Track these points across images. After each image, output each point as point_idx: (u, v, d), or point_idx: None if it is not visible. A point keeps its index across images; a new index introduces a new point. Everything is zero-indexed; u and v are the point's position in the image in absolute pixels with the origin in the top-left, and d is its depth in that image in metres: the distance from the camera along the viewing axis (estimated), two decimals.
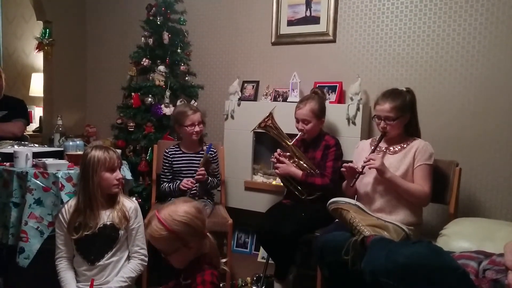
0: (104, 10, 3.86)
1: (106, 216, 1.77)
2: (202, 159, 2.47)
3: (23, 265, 1.97)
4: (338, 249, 1.70)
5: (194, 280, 1.31)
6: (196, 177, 2.40)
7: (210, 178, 2.49)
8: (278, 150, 2.37)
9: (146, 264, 1.85)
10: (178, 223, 1.33)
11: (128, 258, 1.83)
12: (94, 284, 1.72)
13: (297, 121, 2.36)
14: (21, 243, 1.98)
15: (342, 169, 2.03)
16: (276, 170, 2.35)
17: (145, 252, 1.84)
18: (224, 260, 1.44)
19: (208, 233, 1.40)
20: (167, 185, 2.50)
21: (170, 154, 2.54)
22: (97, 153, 1.75)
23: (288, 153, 2.34)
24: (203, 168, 2.42)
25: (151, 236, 1.35)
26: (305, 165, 2.31)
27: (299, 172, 2.29)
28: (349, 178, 2.04)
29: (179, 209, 1.35)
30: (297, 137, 2.33)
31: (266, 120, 2.36)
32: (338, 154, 2.33)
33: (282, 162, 2.32)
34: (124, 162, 2.42)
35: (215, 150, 2.60)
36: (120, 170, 1.83)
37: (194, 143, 2.54)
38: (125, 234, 1.81)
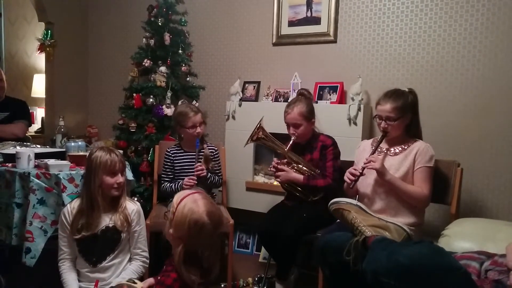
0: (106, 11, 3.87)
1: (109, 219, 1.77)
2: (202, 155, 2.49)
3: (30, 265, 1.98)
4: (340, 249, 1.70)
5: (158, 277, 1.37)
6: (195, 173, 2.40)
7: (210, 175, 2.50)
8: (275, 159, 2.36)
9: (147, 266, 1.85)
10: (180, 210, 1.35)
11: (130, 260, 1.83)
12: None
13: (288, 126, 2.34)
14: (27, 243, 1.98)
15: (347, 180, 2.00)
16: (277, 179, 2.35)
17: (146, 254, 1.84)
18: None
19: (187, 250, 1.34)
20: (168, 184, 2.50)
21: (172, 153, 2.55)
22: (99, 155, 1.75)
23: (285, 160, 2.33)
24: (200, 164, 2.43)
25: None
26: (304, 168, 2.30)
27: (300, 177, 2.28)
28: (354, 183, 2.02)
29: (195, 207, 1.33)
30: (290, 142, 2.31)
31: (257, 132, 2.34)
32: (336, 152, 2.32)
33: (282, 170, 2.31)
34: (126, 162, 2.43)
35: (216, 149, 2.61)
36: (123, 174, 1.80)
37: (195, 143, 2.54)
38: (127, 236, 1.81)
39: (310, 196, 2.30)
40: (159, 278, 1.39)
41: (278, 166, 2.31)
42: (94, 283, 1.72)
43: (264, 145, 2.42)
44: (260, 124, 2.34)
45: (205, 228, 1.33)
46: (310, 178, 2.28)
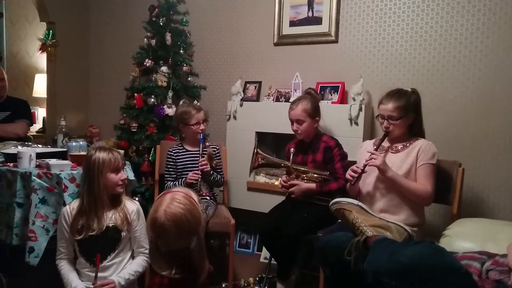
0: (107, 11, 3.87)
1: (109, 218, 1.78)
2: (206, 153, 2.51)
3: (33, 264, 1.98)
4: (341, 249, 1.70)
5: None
6: (200, 167, 2.42)
7: (213, 172, 2.51)
8: (283, 177, 2.38)
9: (149, 261, 1.87)
10: (152, 207, 1.35)
11: (132, 257, 1.85)
12: (97, 282, 1.72)
13: (292, 122, 2.35)
14: (30, 242, 1.99)
15: (349, 177, 2.00)
16: (293, 195, 2.35)
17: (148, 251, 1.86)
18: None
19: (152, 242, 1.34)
20: (172, 184, 2.51)
21: (174, 153, 2.56)
22: (101, 155, 1.76)
23: (293, 174, 2.33)
24: (204, 159, 2.45)
25: None
26: (314, 175, 2.31)
27: (312, 186, 2.29)
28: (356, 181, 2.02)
29: (161, 206, 1.30)
30: (291, 157, 2.32)
31: (256, 159, 2.38)
32: (342, 153, 2.33)
33: (293, 185, 2.31)
34: (127, 162, 2.44)
35: (217, 148, 2.64)
36: (124, 170, 1.85)
37: (198, 141, 2.55)
38: (128, 235, 1.82)
39: (330, 200, 2.30)
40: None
41: (288, 184, 2.32)
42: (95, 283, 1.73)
43: (268, 167, 2.41)
44: (256, 151, 2.37)
45: (164, 228, 1.26)
46: (322, 185, 2.27)
